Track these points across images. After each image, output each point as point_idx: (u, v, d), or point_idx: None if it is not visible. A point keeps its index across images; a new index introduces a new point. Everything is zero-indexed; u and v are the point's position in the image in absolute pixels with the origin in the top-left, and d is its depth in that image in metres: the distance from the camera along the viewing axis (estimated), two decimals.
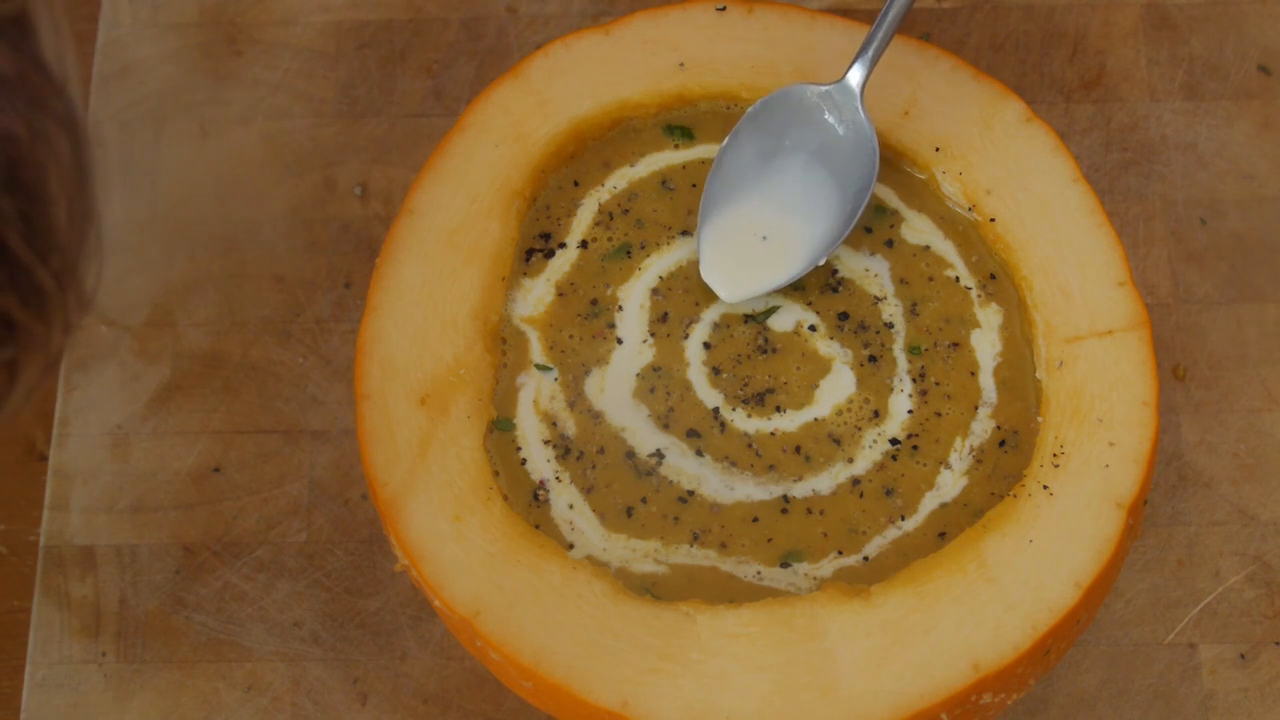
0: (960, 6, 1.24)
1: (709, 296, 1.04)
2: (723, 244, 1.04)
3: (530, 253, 1.06)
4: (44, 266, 0.65)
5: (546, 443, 1.01)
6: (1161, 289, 1.16)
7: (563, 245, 1.06)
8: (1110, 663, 1.06)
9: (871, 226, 1.06)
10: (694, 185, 1.07)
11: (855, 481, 1.00)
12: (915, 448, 1.00)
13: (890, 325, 1.03)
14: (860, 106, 1.04)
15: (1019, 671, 0.93)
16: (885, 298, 1.04)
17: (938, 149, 1.06)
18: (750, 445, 1.01)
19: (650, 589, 0.97)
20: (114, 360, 1.15)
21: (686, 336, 1.03)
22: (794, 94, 1.05)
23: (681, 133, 1.09)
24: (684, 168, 1.08)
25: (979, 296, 1.04)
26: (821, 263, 1.04)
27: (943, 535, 0.98)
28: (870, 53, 1.04)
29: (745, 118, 1.06)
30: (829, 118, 1.05)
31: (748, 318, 1.04)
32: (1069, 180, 1.04)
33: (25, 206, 0.64)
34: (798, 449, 1.00)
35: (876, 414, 1.01)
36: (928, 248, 1.05)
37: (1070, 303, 1.01)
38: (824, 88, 1.05)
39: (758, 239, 1.04)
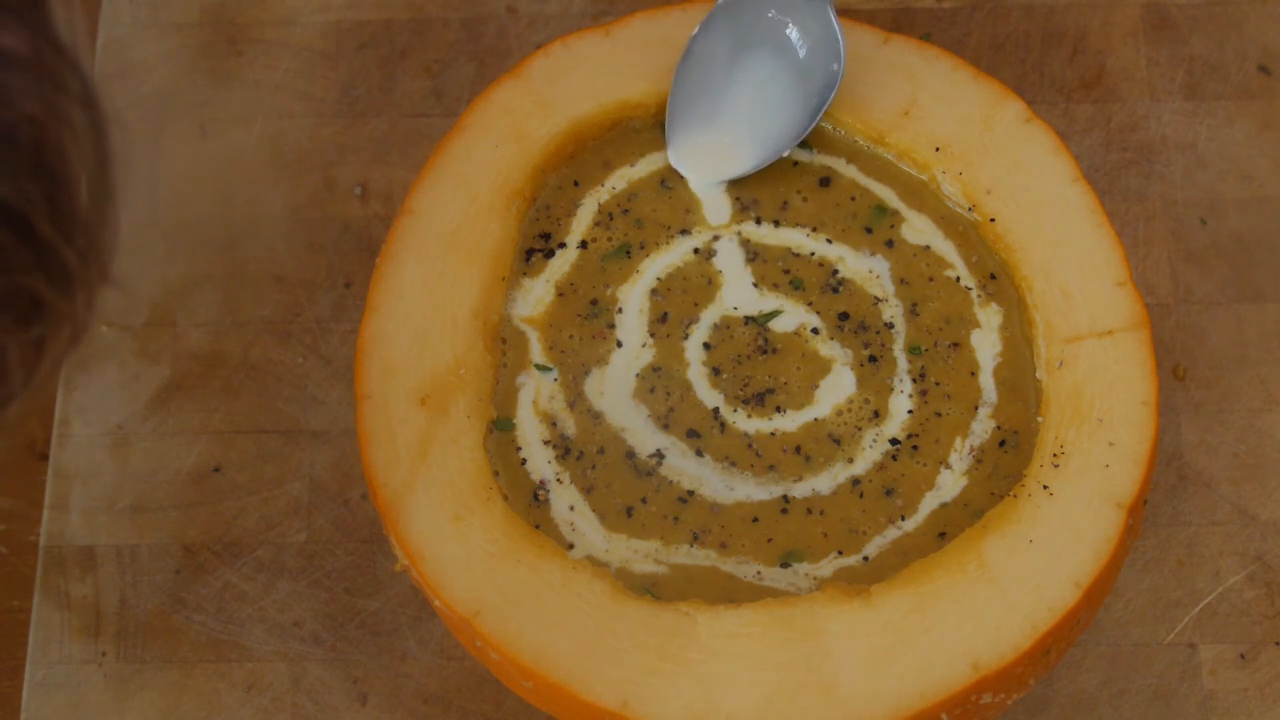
0: (960, 6, 1.24)
1: (709, 297, 1.04)
2: (691, 130, 1.06)
3: (530, 253, 1.06)
4: (69, 246, 0.65)
5: (546, 443, 1.01)
6: (1161, 289, 1.15)
7: (563, 245, 1.06)
8: (1110, 663, 1.06)
9: (872, 226, 1.06)
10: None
11: (855, 481, 1.00)
12: (915, 448, 1.00)
13: (890, 325, 1.03)
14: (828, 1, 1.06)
15: (1019, 671, 0.93)
16: (885, 298, 1.04)
17: (938, 149, 1.06)
18: (750, 445, 1.01)
19: (650, 589, 0.97)
20: (114, 360, 1.15)
21: (686, 337, 1.03)
22: None
23: None
24: None
25: (979, 296, 1.04)
26: (785, 153, 1.05)
27: (943, 535, 0.98)
28: None
29: (718, 7, 1.07)
30: (798, 13, 1.06)
31: (748, 319, 1.04)
32: (1069, 180, 1.04)
33: (49, 188, 0.64)
34: (798, 449, 1.00)
35: (876, 414, 1.01)
36: (928, 248, 1.05)
37: (1070, 303, 1.01)
38: None
39: (725, 127, 1.05)
